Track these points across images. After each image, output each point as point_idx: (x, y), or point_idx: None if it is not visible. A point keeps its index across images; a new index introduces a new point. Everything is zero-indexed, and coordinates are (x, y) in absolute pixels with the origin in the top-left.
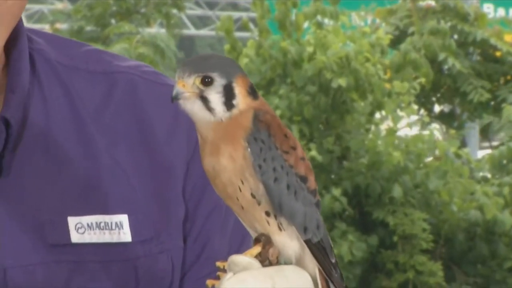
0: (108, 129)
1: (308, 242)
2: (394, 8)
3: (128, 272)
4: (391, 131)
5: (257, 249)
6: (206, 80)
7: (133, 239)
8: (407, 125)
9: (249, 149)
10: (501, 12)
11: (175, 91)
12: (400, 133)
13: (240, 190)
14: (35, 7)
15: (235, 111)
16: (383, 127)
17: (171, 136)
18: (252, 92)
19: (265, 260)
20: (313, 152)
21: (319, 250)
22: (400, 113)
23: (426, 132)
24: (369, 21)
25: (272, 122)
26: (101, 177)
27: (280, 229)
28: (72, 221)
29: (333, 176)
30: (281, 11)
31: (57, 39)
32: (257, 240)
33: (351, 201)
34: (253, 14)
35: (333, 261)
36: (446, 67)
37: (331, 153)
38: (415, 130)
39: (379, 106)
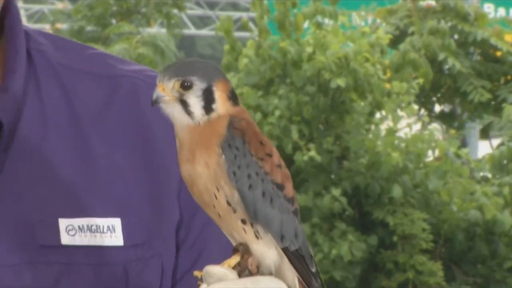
0: (107, 133)
1: (285, 251)
2: (395, 8)
3: (118, 276)
4: (391, 131)
5: (235, 259)
6: (186, 84)
7: (125, 243)
8: (407, 125)
9: (223, 156)
10: (501, 12)
11: (155, 95)
12: (401, 133)
13: (216, 198)
14: (36, 7)
15: (213, 115)
16: (383, 127)
17: (170, 142)
18: (233, 97)
19: (244, 270)
20: (313, 152)
21: (297, 259)
22: (400, 113)
23: (426, 132)
24: (369, 21)
25: (248, 129)
26: (96, 180)
27: (257, 237)
28: (63, 223)
29: (332, 176)
30: (281, 11)
31: (63, 41)
32: (235, 250)
33: (350, 201)
34: (253, 14)
35: (313, 270)
36: (446, 67)
37: (330, 153)
38: (415, 130)
39: (378, 106)
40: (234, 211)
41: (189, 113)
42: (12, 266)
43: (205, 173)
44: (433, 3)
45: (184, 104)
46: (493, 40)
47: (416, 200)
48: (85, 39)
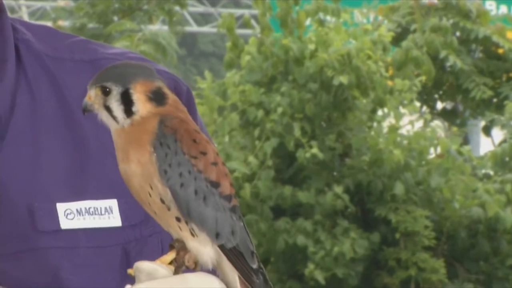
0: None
1: (222, 248)
2: (397, 5)
3: (119, 256)
4: (393, 129)
5: (171, 255)
6: (106, 90)
7: (123, 224)
8: (409, 122)
9: (154, 154)
10: (503, 9)
11: (83, 103)
12: (403, 130)
13: (150, 196)
14: (38, 4)
15: (135, 117)
16: (386, 124)
17: None
18: (156, 97)
19: (181, 266)
20: (315, 150)
21: (235, 256)
22: (402, 110)
23: (428, 130)
24: (371, 19)
25: (179, 127)
26: (90, 163)
27: (192, 235)
28: (61, 207)
29: (335, 174)
30: (283, 8)
31: (43, 30)
32: (171, 247)
33: (353, 199)
34: (255, 11)
35: (255, 266)
36: (448, 64)
37: (333, 150)
38: (417, 127)
39: (380, 103)
40: (168, 209)
41: (113, 117)
42: (12, 254)
43: (138, 171)
44: (435, 0)
45: (108, 109)
46: (495, 38)
47: (419, 197)
48: (86, 36)
